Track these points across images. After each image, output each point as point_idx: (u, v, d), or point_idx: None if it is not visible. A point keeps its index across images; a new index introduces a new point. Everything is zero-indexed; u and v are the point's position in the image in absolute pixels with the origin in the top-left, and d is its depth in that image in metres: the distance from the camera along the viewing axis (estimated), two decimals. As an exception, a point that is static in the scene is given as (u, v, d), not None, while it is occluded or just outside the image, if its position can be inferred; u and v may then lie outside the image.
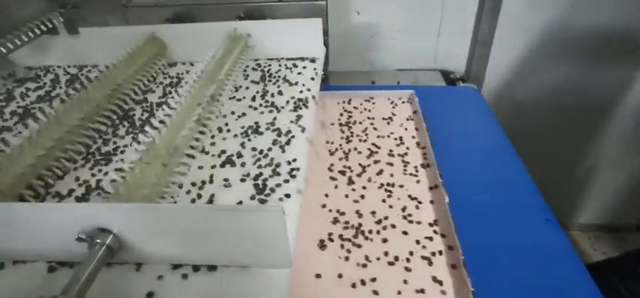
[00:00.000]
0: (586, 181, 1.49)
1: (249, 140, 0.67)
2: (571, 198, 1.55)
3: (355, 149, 0.76)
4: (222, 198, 0.56)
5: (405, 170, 0.71)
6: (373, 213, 0.62)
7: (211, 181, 0.59)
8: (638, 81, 1.23)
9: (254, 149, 0.65)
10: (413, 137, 0.79)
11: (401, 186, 0.67)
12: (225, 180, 0.59)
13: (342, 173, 0.70)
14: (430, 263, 0.54)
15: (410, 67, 1.30)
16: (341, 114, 0.87)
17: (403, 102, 0.91)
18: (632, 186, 1.47)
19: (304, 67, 0.88)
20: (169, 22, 1.16)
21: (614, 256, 1.09)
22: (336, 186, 0.67)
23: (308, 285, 0.51)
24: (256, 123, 0.71)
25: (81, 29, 0.96)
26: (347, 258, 0.55)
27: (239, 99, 0.79)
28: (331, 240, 0.58)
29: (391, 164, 0.72)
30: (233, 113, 0.75)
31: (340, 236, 0.58)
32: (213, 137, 0.69)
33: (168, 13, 1.17)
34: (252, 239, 0.45)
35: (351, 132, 0.80)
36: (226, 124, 0.72)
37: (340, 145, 0.77)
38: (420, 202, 0.64)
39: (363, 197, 0.65)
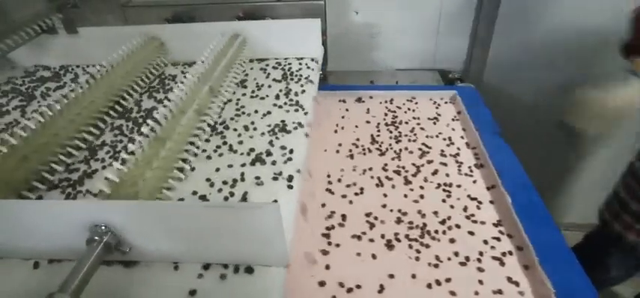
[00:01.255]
0: (585, 180, 1.49)
1: (277, 138, 0.68)
2: (568, 196, 1.55)
3: (406, 149, 0.76)
4: (255, 196, 0.56)
5: (459, 170, 0.71)
6: (435, 212, 0.62)
7: (243, 179, 0.59)
8: (637, 81, 1.23)
9: (283, 147, 0.65)
10: (462, 137, 0.79)
11: (458, 186, 0.67)
12: (257, 177, 0.59)
13: (397, 173, 0.70)
14: (502, 264, 0.54)
15: (408, 66, 1.30)
16: (386, 114, 0.86)
17: (446, 102, 0.91)
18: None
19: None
20: (168, 22, 1.16)
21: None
22: (393, 186, 0.67)
23: (383, 285, 0.51)
24: (283, 121, 0.72)
25: (80, 29, 0.96)
26: (417, 258, 0.55)
27: (262, 98, 0.80)
28: (398, 240, 0.57)
29: (445, 164, 0.72)
30: (257, 111, 0.75)
31: (407, 236, 0.58)
32: (239, 135, 0.69)
33: (168, 13, 1.18)
34: (248, 237, 0.45)
35: (400, 132, 0.80)
36: (252, 123, 0.72)
37: (390, 145, 0.77)
38: (480, 202, 0.64)
39: (422, 197, 0.65)
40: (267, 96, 0.80)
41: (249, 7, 1.15)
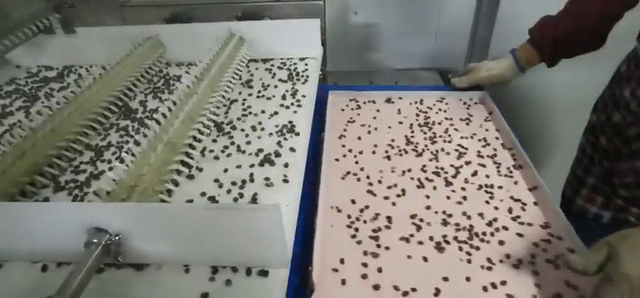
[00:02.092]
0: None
1: (286, 139, 0.67)
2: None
3: (442, 150, 0.74)
4: (265, 198, 0.56)
5: (498, 171, 0.70)
6: (481, 214, 0.60)
7: (252, 180, 0.59)
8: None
9: (292, 149, 0.65)
10: (496, 138, 0.78)
11: (500, 188, 0.66)
12: (267, 178, 0.59)
13: (437, 174, 0.68)
14: (557, 267, 0.52)
15: (408, 66, 1.30)
16: (417, 115, 0.85)
17: (475, 102, 0.90)
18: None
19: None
20: (167, 22, 1.16)
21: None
22: (434, 188, 0.66)
23: (438, 288, 0.50)
24: (291, 122, 0.71)
25: (78, 29, 0.95)
26: (469, 261, 0.53)
27: (268, 98, 0.79)
28: (447, 242, 0.56)
29: (483, 165, 0.71)
30: (264, 112, 0.75)
31: (455, 238, 0.57)
32: (247, 135, 0.69)
33: (166, 13, 1.17)
34: (250, 238, 0.44)
35: (434, 133, 0.79)
36: (260, 123, 0.72)
37: (426, 146, 0.75)
38: (524, 203, 0.63)
39: (465, 198, 0.64)
40: (273, 96, 0.80)
41: (247, 7, 1.15)
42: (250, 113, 0.75)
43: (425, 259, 0.53)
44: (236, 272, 0.47)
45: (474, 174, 0.69)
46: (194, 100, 0.68)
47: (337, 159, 0.71)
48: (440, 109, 0.87)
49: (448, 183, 0.67)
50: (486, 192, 0.65)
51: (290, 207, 0.55)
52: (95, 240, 0.43)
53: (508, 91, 1.30)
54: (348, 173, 0.68)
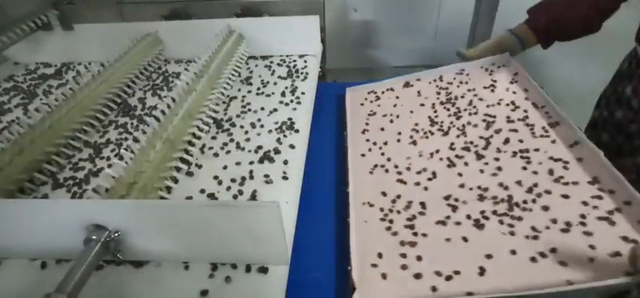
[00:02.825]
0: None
1: (285, 136, 0.67)
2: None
3: (469, 123, 0.70)
4: (265, 195, 0.56)
5: (533, 133, 0.65)
6: (518, 182, 0.57)
7: (252, 177, 0.59)
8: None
9: (292, 146, 0.65)
10: (526, 99, 0.73)
11: (536, 150, 0.61)
12: (266, 175, 0.59)
13: (466, 149, 0.65)
14: (612, 223, 0.49)
15: (407, 64, 1.30)
16: (438, 93, 0.80)
17: (498, 67, 0.84)
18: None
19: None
20: (166, 19, 1.15)
21: None
22: (466, 164, 0.62)
23: (483, 267, 0.47)
24: (290, 119, 0.71)
25: (76, 25, 0.95)
26: (512, 233, 0.50)
27: (268, 95, 0.79)
28: (486, 218, 0.52)
29: (515, 130, 0.66)
30: (263, 109, 0.75)
31: (494, 212, 0.53)
32: (246, 132, 0.69)
33: (164, 10, 1.17)
34: (249, 236, 0.44)
35: (458, 108, 0.75)
36: (259, 120, 0.71)
37: (451, 123, 0.71)
38: (566, 162, 0.58)
39: (499, 169, 0.60)
40: (273, 93, 0.79)
41: (247, 4, 1.14)
42: (250, 110, 0.75)
43: (464, 239, 0.50)
44: (235, 269, 0.47)
45: (506, 141, 0.65)
46: (193, 97, 0.68)
47: (363, 154, 0.68)
48: (461, 82, 0.83)
49: (479, 157, 0.63)
50: (522, 157, 0.61)
51: (290, 203, 0.55)
52: (94, 237, 0.43)
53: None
54: (376, 166, 0.65)
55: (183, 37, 0.93)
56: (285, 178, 0.59)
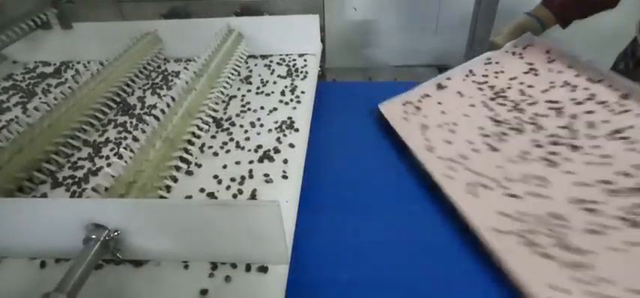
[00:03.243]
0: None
1: (285, 135, 0.67)
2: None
3: (537, 114, 0.64)
4: (264, 194, 0.56)
5: (611, 110, 0.59)
6: (636, 166, 0.51)
7: (251, 176, 0.59)
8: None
9: (291, 145, 0.65)
10: (577, 75, 0.67)
11: (631, 127, 0.56)
12: (266, 174, 0.59)
13: (554, 143, 0.59)
14: None
15: (407, 63, 1.30)
16: (480, 89, 0.74)
17: (524, 48, 0.79)
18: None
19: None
20: (165, 18, 1.15)
21: None
22: (567, 159, 0.56)
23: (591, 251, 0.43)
24: (290, 118, 0.71)
25: (75, 24, 0.95)
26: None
27: (268, 94, 0.79)
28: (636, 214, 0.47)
29: (591, 111, 0.61)
30: (263, 108, 0.74)
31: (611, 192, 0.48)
32: (246, 132, 0.68)
33: (164, 9, 1.17)
34: (248, 235, 0.44)
35: (513, 101, 0.69)
36: (258, 119, 0.71)
37: (518, 118, 0.65)
38: None
39: (607, 156, 0.54)
40: (272, 92, 0.79)
41: (246, 3, 1.14)
42: (249, 109, 0.75)
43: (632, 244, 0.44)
44: (235, 268, 0.47)
45: (591, 125, 0.58)
46: (193, 96, 0.68)
47: (450, 177, 0.59)
48: (496, 72, 0.76)
49: (575, 148, 0.56)
50: (621, 138, 0.54)
51: (290, 202, 0.55)
52: (94, 236, 0.43)
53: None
54: (472, 185, 0.57)
55: (183, 35, 0.93)
56: (284, 177, 0.59)
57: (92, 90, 0.73)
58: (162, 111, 0.63)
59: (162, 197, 0.55)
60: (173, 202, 0.51)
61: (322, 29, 0.97)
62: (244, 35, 0.93)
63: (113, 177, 0.50)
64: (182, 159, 0.61)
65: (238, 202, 0.50)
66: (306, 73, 0.86)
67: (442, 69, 1.27)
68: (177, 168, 0.60)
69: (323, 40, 0.94)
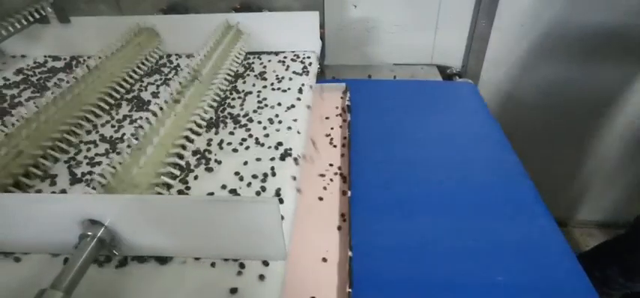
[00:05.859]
0: (581, 178, 1.50)
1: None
2: (566, 194, 1.56)
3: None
4: (288, 193, 0.55)
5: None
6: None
7: (274, 174, 0.58)
8: (637, 80, 1.24)
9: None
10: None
11: None
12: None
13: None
14: None
15: (407, 61, 1.30)
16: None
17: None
18: (627, 183, 1.48)
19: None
20: (164, 13, 1.14)
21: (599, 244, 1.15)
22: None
23: None
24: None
25: (72, 18, 0.94)
26: None
27: (284, 91, 0.78)
28: None
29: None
30: (280, 104, 0.73)
31: None
32: (265, 128, 0.67)
33: (163, 3, 1.16)
34: (246, 231, 0.44)
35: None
36: (276, 115, 0.70)
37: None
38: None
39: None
40: (289, 88, 0.78)
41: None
42: (266, 105, 0.74)
43: None
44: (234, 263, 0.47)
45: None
46: (191, 92, 0.68)
47: None
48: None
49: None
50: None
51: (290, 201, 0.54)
52: (90, 233, 0.42)
53: (499, 90, 1.30)
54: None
55: (182, 31, 0.92)
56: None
57: (88, 86, 0.72)
58: (161, 107, 0.62)
59: (159, 193, 0.54)
60: (169, 198, 0.50)
61: (322, 26, 0.97)
62: (243, 31, 0.92)
63: (110, 173, 0.50)
64: (179, 156, 0.60)
65: (234, 198, 0.50)
66: (306, 69, 0.85)
67: (442, 68, 1.27)
68: (175, 165, 0.59)
69: (323, 37, 0.94)
